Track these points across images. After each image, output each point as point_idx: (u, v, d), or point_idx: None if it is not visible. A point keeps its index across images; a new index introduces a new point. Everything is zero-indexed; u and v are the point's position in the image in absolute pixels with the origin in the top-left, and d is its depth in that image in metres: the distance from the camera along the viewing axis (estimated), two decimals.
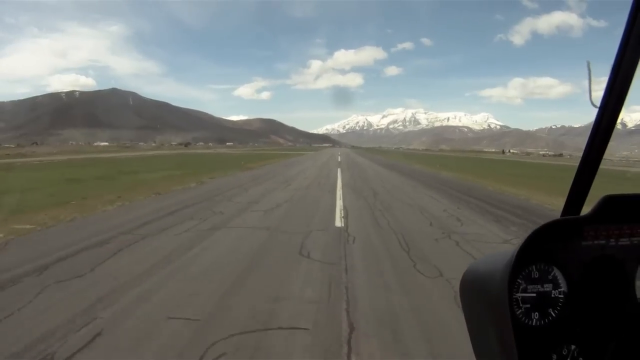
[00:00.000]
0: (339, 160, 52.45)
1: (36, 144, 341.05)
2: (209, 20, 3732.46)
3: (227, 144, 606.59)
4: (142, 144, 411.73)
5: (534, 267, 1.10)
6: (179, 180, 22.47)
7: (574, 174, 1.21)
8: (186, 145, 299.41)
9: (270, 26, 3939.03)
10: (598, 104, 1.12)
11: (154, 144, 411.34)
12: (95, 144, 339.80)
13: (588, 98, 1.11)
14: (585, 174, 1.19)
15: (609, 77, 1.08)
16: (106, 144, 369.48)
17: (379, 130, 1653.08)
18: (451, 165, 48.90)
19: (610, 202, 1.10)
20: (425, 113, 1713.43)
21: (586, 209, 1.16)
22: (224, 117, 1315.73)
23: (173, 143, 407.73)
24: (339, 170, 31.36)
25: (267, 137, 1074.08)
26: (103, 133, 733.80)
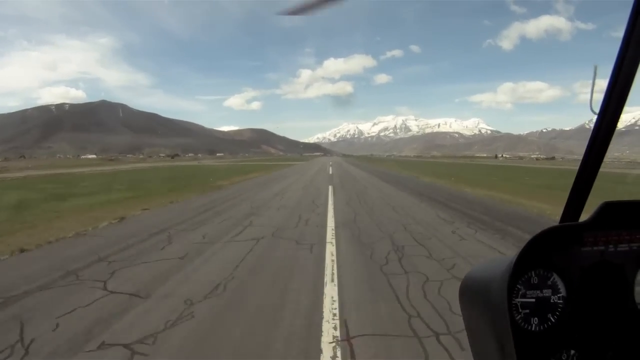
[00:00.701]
0: (330, 172, 43.49)
1: (24, 157, 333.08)
2: (198, 31, 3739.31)
3: (218, 154, 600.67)
4: (130, 156, 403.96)
5: (533, 272, 1.10)
6: (102, 212, 15.52)
7: (573, 181, 1.20)
8: (173, 157, 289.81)
9: (259, 36, 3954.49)
10: (597, 109, 1.11)
11: (141, 156, 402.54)
12: (83, 156, 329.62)
13: (589, 104, 1.11)
14: (584, 180, 1.18)
15: (608, 83, 1.07)
16: (94, 156, 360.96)
17: (370, 138, 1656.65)
18: (465, 176, 41.73)
19: (609, 209, 1.11)
20: (416, 120, 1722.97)
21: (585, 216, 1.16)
22: (214, 128, 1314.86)
23: (161, 155, 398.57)
24: (330, 189, 22.72)
25: (258, 147, 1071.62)
26: (93, 146, 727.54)
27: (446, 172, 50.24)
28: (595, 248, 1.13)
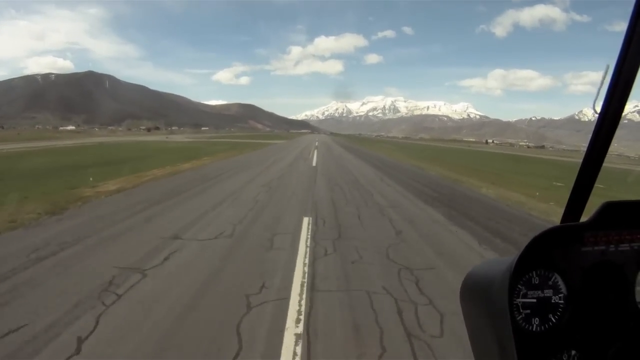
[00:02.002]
0: (314, 163, 29.65)
1: (2, 127, 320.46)
2: (189, 4, 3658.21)
3: (203, 128, 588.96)
4: (111, 128, 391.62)
5: (534, 272, 1.10)
6: None
7: (574, 181, 1.21)
8: (149, 130, 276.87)
9: (250, 11, 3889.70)
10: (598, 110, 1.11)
11: (120, 129, 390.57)
12: (61, 128, 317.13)
13: (593, 103, 1.11)
14: (585, 180, 1.18)
15: (610, 84, 1.07)
16: (72, 128, 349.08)
17: (358, 118, 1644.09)
18: (482, 170, 33.47)
19: (610, 209, 1.11)
20: (405, 101, 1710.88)
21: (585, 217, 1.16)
22: (202, 102, 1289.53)
23: (142, 127, 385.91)
24: (304, 226, 10.21)
25: (245, 122, 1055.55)
26: (78, 117, 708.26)
27: (444, 160, 42.44)
28: (596, 248, 1.13)
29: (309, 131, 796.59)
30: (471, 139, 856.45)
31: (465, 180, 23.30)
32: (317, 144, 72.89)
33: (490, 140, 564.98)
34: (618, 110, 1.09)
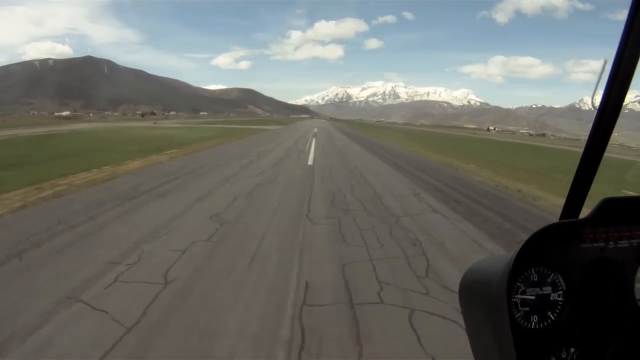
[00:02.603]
0: (310, 160, 22.25)
1: None
2: None
3: (202, 113, 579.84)
4: (107, 113, 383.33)
5: (533, 270, 1.09)
6: None
7: (572, 177, 1.20)
8: (142, 115, 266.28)
9: None
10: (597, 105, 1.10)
11: (116, 114, 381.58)
12: (57, 114, 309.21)
13: (591, 98, 1.09)
14: (584, 176, 1.17)
15: (608, 79, 1.06)
16: (68, 113, 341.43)
17: (358, 103, 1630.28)
18: (527, 169, 24.74)
19: (609, 205, 1.10)
20: (405, 87, 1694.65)
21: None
22: (202, 87, 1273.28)
23: (138, 112, 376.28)
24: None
25: (244, 107, 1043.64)
26: (76, 102, 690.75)
27: (498, 160, 32.08)
28: (595, 245, 1.12)
29: (309, 116, 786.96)
30: (471, 126, 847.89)
31: (544, 196, 14.98)
32: (316, 130, 63.68)
33: (492, 128, 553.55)
34: (617, 105, 1.07)
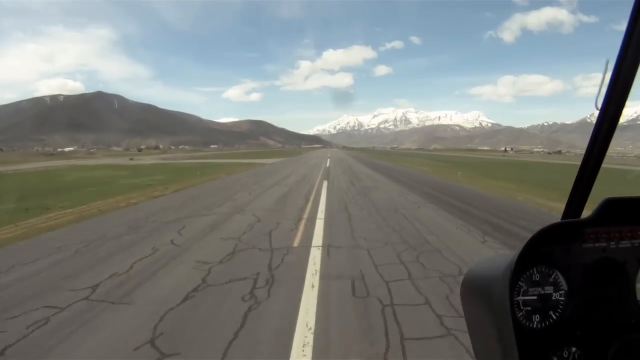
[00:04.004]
0: (322, 203, 16.18)
1: (1, 150, 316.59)
2: (197, 22, 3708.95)
3: (212, 146, 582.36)
4: (115, 148, 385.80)
5: (535, 269, 1.09)
6: None
7: (575, 177, 1.21)
8: (140, 150, 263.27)
9: (258, 27, 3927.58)
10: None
11: (119, 149, 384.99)
12: (59, 149, 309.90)
13: (594, 99, 1.10)
14: (586, 176, 1.18)
15: (610, 79, 1.06)
16: (72, 149, 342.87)
17: (369, 130, 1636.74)
18: None
19: (610, 205, 1.10)
20: (416, 112, 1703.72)
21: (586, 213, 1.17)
22: (213, 120, 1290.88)
23: (142, 147, 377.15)
24: None
25: (256, 138, 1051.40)
26: (86, 137, 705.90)
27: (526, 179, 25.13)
28: (597, 244, 1.13)
29: (321, 146, 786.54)
30: (485, 147, 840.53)
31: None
32: (328, 164, 50.52)
33: (509, 149, 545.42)
34: (618, 108, 1.08)
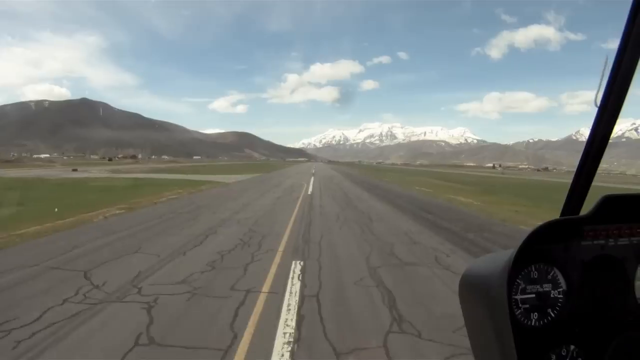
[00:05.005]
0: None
1: None
2: (186, 33, 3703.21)
3: (195, 157, 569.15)
4: (93, 156, 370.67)
5: (533, 267, 1.09)
6: None
7: (573, 174, 1.20)
8: (110, 159, 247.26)
9: (246, 40, 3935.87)
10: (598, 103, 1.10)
11: (94, 156, 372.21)
12: (35, 156, 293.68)
13: (594, 96, 1.10)
14: (585, 174, 1.18)
15: (609, 77, 1.07)
16: (47, 155, 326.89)
17: (355, 145, 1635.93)
18: None
19: (609, 202, 1.10)
20: (402, 127, 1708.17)
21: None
22: (199, 130, 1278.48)
23: (119, 156, 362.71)
24: None
25: (241, 150, 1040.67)
26: (69, 145, 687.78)
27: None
28: (595, 242, 1.13)
29: (306, 159, 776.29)
30: (471, 164, 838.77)
31: None
32: (312, 183, 39.53)
33: (498, 165, 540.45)
34: (618, 103, 1.08)
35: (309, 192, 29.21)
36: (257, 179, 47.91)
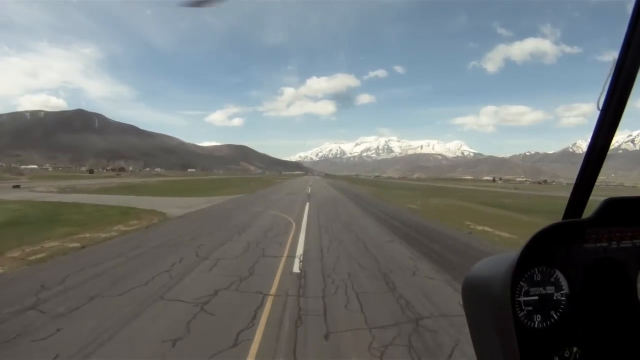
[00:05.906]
0: None
1: None
2: (182, 46, 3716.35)
3: (189, 170, 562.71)
4: (83, 168, 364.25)
5: (536, 269, 1.09)
6: None
7: (576, 177, 1.20)
8: (91, 172, 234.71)
9: (243, 53, 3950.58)
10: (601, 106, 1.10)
11: (83, 168, 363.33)
12: (22, 167, 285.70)
13: (597, 99, 1.10)
14: (587, 177, 1.17)
15: (611, 80, 1.07)
16: (35, 166, 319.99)
17: (352, 158, 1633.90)
18: None
19: (612, 205, 1.10)
20: (399, 141, 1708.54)
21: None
22: (195, 143, 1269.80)
23: (108, 168, 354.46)
24: None
25: (237, 163, 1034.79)
26: (64, 156, 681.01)
27: None
28: (597, 245, 1.12)
29: (302, 173, 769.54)
30: (468, 177, 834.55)
31: None
32: (307, 208, 29.35)
33: (498, 178, 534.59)
34: (620, 106, 1.08)
35: (305, 212, 20.94)
36: (227, 206, 32.37)
